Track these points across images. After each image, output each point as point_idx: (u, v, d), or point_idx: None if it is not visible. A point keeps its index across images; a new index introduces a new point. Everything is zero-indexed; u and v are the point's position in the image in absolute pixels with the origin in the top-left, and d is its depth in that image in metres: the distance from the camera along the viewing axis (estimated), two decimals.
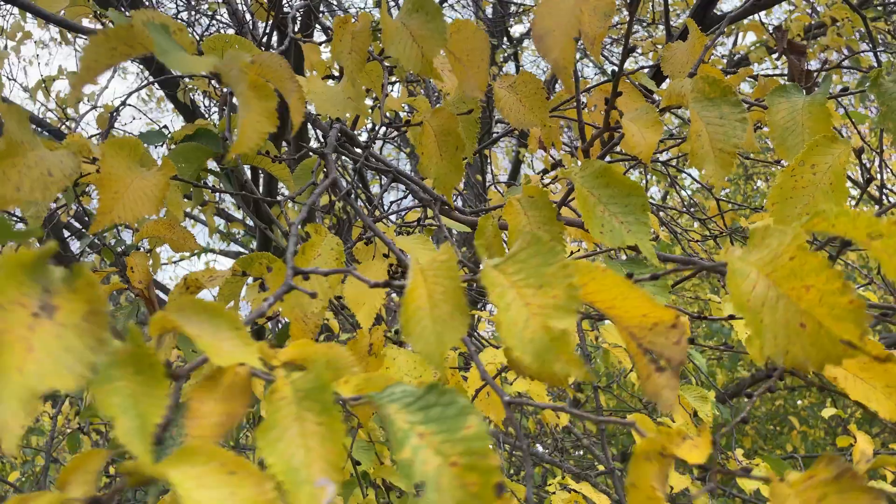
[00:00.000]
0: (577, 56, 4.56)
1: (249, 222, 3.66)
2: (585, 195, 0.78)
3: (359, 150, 1.22)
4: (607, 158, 1.08)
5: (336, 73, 1.37)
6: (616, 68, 0.93)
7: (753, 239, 0.60)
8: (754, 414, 4.23)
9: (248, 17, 3.27)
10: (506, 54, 4.51)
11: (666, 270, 0.85)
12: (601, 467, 2.36)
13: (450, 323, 0.58)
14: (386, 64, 0.99)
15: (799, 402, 4.40)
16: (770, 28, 3.57)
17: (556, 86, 3.26)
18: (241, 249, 4.47)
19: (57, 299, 0.42)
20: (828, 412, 2.37)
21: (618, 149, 1.07)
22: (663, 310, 0.58)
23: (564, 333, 0.52)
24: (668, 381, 0.57)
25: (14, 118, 0.67)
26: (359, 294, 1.03)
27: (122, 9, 2.31)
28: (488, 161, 3.34)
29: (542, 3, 0.83)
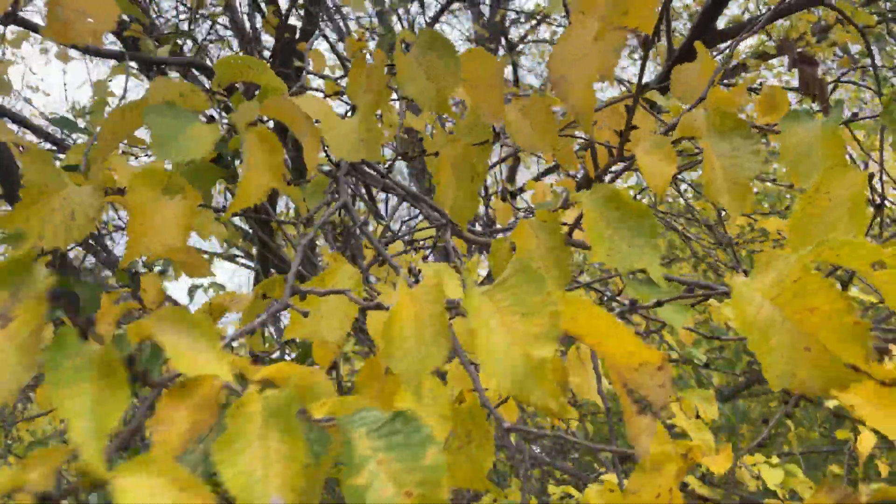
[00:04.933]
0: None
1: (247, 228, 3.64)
2: (595, 218, 0.76)
3: (372, 172, 1.22)
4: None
5: (342, 88, 1.37)
6: (631, 88, 0.93)
7: (758, 265, 0.58)
8: (749, 416, 4.25)
9: (247, 23, 3.26)
10: (504, 60, 4.52)
11: (682, 295, 0.85)
12: (603, 468, 2.37)
13: (433, 346, 0.57)
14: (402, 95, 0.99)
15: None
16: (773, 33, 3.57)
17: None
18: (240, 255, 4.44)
19: (18, 310, 0.41)
20: (832, 402, 2.37)
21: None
22: (650, 351, 0.56)
23: (544, 362, 0.51)
24: (648, 426, 0.55)
25: (35, 161, 0.65)
26: (376, 317, 1.02)
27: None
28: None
29: (555, 48, 0.81)
